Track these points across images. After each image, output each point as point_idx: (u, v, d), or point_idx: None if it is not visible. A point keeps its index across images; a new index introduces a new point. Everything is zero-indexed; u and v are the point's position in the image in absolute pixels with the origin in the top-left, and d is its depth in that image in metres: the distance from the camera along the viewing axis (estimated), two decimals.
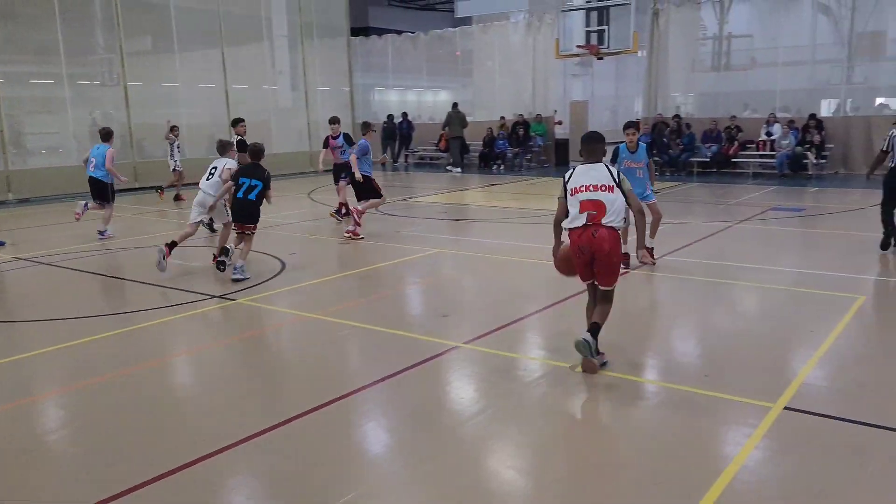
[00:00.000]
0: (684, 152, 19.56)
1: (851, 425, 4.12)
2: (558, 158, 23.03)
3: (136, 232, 11.84)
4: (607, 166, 5.10)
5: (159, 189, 16.02)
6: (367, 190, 10.82)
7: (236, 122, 12.22)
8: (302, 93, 23.30)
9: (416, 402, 4.68)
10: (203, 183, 8.70)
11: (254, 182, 8.04)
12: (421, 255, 9.47)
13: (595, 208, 4.92)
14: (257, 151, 8.30)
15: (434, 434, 4.18)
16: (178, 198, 15.74)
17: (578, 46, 18.54)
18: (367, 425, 4.36)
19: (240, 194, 8.05)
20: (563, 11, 19.43)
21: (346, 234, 10.56)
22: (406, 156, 26.40)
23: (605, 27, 17.96)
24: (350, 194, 11.56)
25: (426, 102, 33.84)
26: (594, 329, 4.98)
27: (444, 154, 24.06)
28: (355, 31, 31.74)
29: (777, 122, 18.74)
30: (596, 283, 5.10)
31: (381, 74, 29.85)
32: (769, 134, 18.73)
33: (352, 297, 7.57)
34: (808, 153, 17.73)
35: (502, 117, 23.61)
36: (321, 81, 24.14)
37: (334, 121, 12.57)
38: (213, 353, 5.87)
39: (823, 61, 20.16)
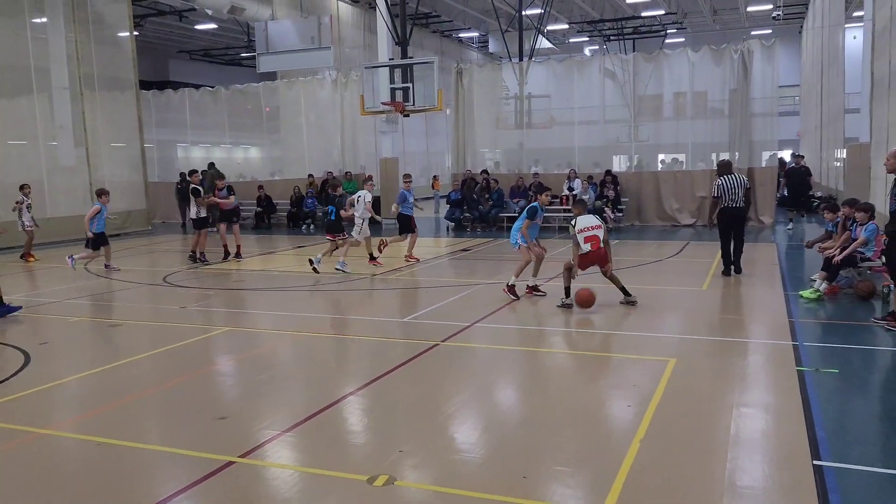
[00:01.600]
0: (493, 208, 19.78)
1: None
2: None
3: None
4: (594, 214, 9.58)
5: (25, 256, 15.04)
6: (405, 226, 13.59)
7: (192, 173, 14.90)
8: (84, 150, 20.82)
9: None
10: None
11: (331, 208, 12.70)
12: (206, 336, 8.20)
13: (594, 240, 8.92)
14: (334, 185, 13.92)
15: None
16: (26, 256, 15.02)
17: (383, 103, 18.25)
18: None
19: (329, 217, 12.78)
20: (368, 68, 19.12)
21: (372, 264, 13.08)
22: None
23: (409, 84, 17.82)
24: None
25: (236, 159, 32.17)
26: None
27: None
28: (157, 85, 29.56)
29: (577, 177, 19.56)
30: (602, 270, 9.11)
31: (181, 130, 27.91)
32: (571, 189, 19.47)
33: (107, 400, 6.16)
34: (606, 207, 18.57)
35: (310, 175, 22.71)
36: (109, 137, 21.79)
37: (220, 176, 15.04)
38: None
39: (613, 121, 21.54)
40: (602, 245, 8.93)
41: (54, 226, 19.25)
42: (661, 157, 22.54)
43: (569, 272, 9.14)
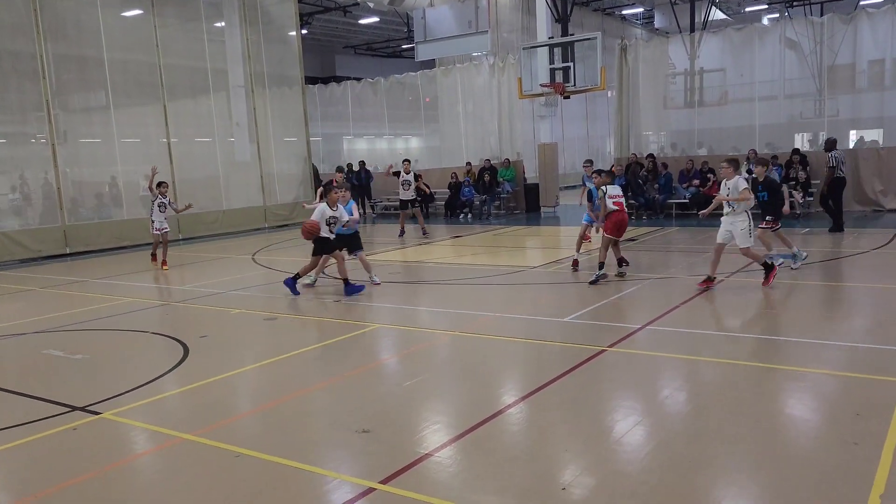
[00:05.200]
0: (661, 194, 18.31)
1: None
2: (529, 204, 21.70)
3: (30, 312, 10.09)
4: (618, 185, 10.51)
5: (154, 257, 13.61)
6: None
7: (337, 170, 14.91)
8: (255, 145, 21.81)
9: None
10: None
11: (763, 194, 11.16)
12: (356, 333, 7.88)
13: (620, 205, 10.10)
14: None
15: None
16: (157, 260, 13.44)
17: (542, 85, 17.38)
18: None
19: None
20: (526, 49, 18.31)
21: None
22: (372, 206, 25.01)
23: (570, 64, 16.82)
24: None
25: (397, 150, 32.71)
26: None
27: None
28: (324, 80, 30.67)
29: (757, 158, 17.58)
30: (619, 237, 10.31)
31: (345, 123, 28.72)
32: (749, 171, 17.52)
33: (252, 403, 5.95)
34: (794, 191, 16.50)
35: (468, 163, 22.34)
36: (278, 132, 22.67)
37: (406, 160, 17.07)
38: None
39: (795, 95, 19.22)
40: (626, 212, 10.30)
41: (228, 218, 20.33)
42: (852, 133, 19.83)
43: (606, 248, 10.12)
